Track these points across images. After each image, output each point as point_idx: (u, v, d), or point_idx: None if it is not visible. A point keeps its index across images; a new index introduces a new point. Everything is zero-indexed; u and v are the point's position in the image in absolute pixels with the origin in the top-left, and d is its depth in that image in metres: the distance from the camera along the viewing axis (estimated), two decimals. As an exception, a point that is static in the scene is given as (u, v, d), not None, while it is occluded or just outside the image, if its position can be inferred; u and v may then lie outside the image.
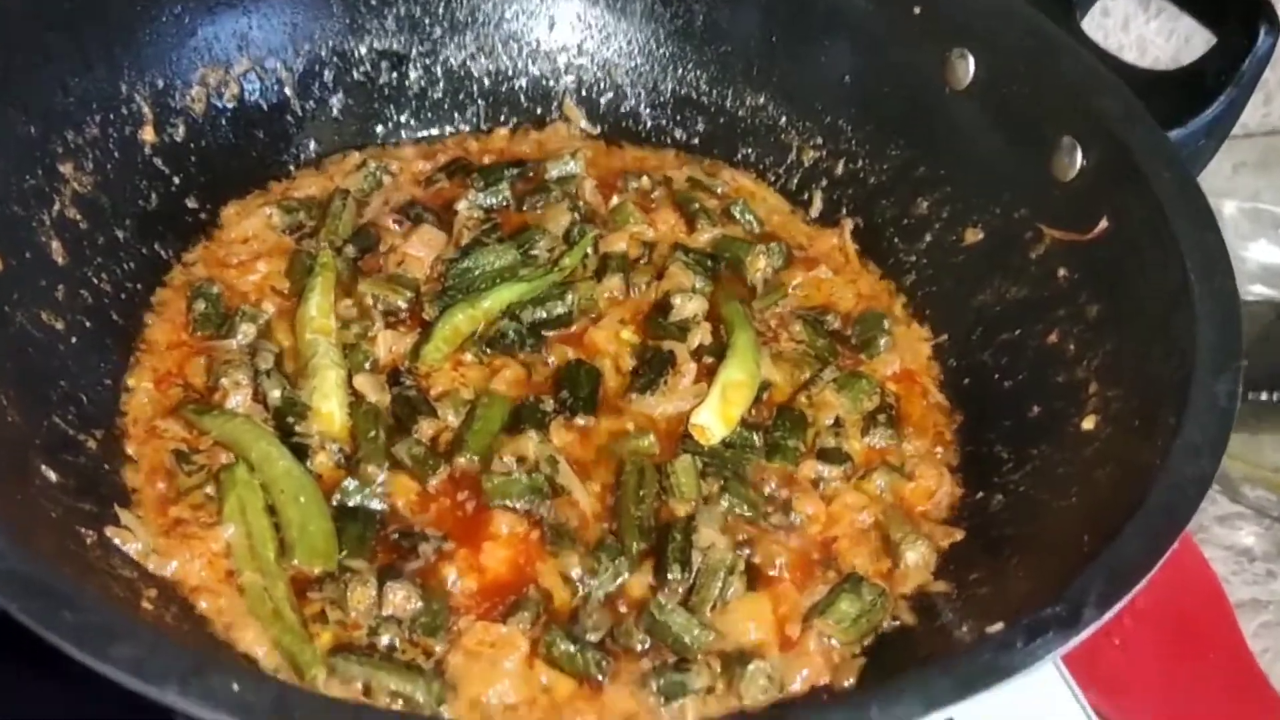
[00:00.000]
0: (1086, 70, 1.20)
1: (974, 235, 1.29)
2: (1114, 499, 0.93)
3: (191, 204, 1.33)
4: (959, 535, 1.12)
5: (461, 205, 1.39)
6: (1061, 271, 1.17)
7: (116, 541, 0.99)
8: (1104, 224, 1.13)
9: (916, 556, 1.10)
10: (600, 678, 0.99)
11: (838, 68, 1.41)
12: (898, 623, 1.06)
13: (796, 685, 1.01)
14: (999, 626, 0.81)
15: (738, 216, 1.42)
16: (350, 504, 1.09)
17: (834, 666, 1.02)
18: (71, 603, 0.70)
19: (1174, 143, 1.14)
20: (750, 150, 1.50)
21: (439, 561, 1.06)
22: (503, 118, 1.53)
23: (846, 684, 1.00)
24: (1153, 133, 1.13)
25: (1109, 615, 0.77)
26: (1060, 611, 0.77)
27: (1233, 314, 0.99)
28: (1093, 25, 1.41)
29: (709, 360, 1.25)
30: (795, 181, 1.48)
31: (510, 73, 1.52)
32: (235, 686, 0.66)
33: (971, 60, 1.27)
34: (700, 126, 1.52)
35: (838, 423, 1.22)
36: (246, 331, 1.22)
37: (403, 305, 1.28)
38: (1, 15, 1.11)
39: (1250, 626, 1.42)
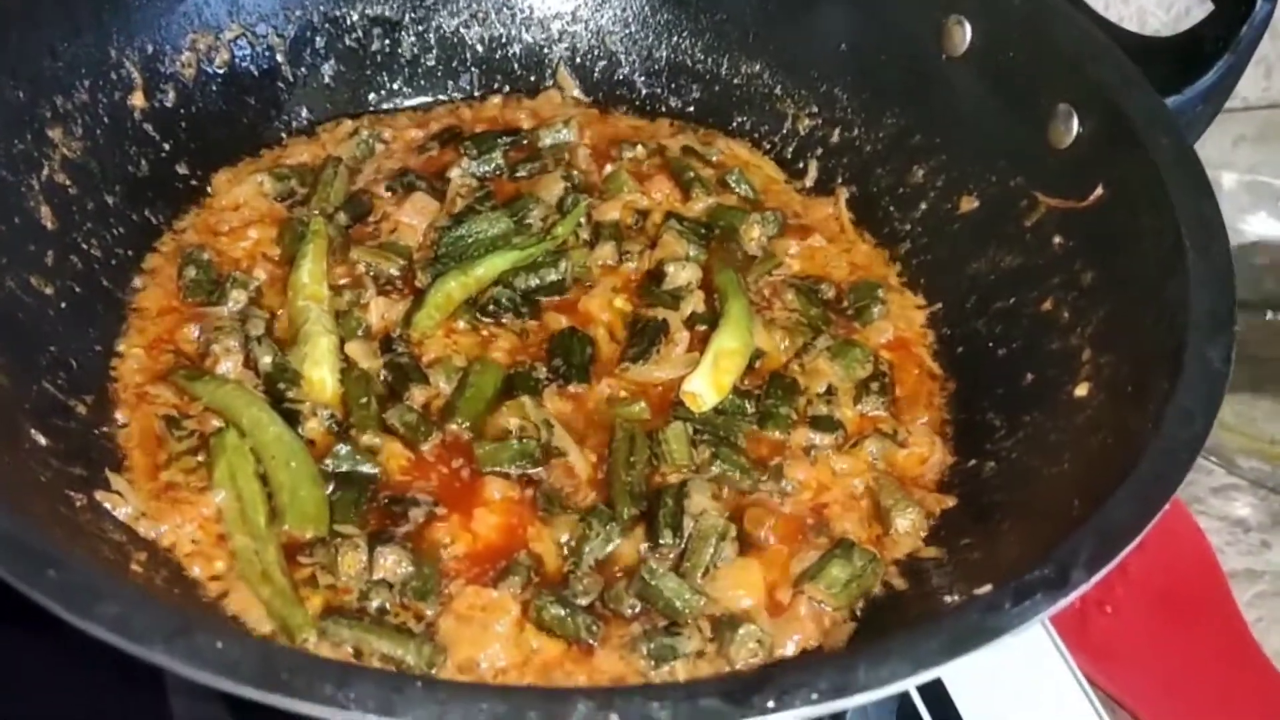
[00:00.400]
0: (1083, 36, 1.19)
1: (969, 203, 1.29)
2: (1106, 464, 0.93)
3: (182, 170, 1.32)
4: (951, 502, 1.12)
5: (454, 173, 1.38)
6: (1057, 239, 1.17)
7: (107, 505, 0.99)
8: (1100, 191, 1.12)
9: (907, 523, 1.10)
10: (591, 641, 1.00)
11: (834, 35, 1.40)
12: (889, 588, 1.06)
13: (788, 649, 1.01)
14: (987, 588, 0.80)
15: (733, 185, 1.42)
16: (341, 469, 1.09)
17: (825, 631, 1.02)
18: (57, 562, 0.70)
19: (1171, 110, 1.14)
20: (745, 118, 1.49)
21: (430, 526, 1.06)
22: (496, 85, 1.52)
23: (836, 648, 1.00)
24: (1149, 99, 1.12)
25: (1097, 578, 0.77)
26: (1049, 573, 0.76)
27: (1227, 279, 0.98)
28: (1093, -7, 1.40)
29: (702, 329, 1.25)
30: (790, 150, 1.47)
31: (504, 39, 1.51)
32: (220, 645, 0.66)
33: (968, 27, 1.26)
34: (695, 94, 1.51)
35: (830, 390, 1.22)
36: (237, 298, 1.22)
37: (395, 272, 1.28)
38: (-12, -22, 1.11)
39: (1244, 597, 1.42)
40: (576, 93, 1.52)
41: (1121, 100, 1.13)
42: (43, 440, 0.98)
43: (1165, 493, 0.82)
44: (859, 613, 1.04)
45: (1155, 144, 1.08)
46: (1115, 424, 0.98)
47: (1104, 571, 0.77)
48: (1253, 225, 1.80)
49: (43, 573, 0.69)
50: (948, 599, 0.99)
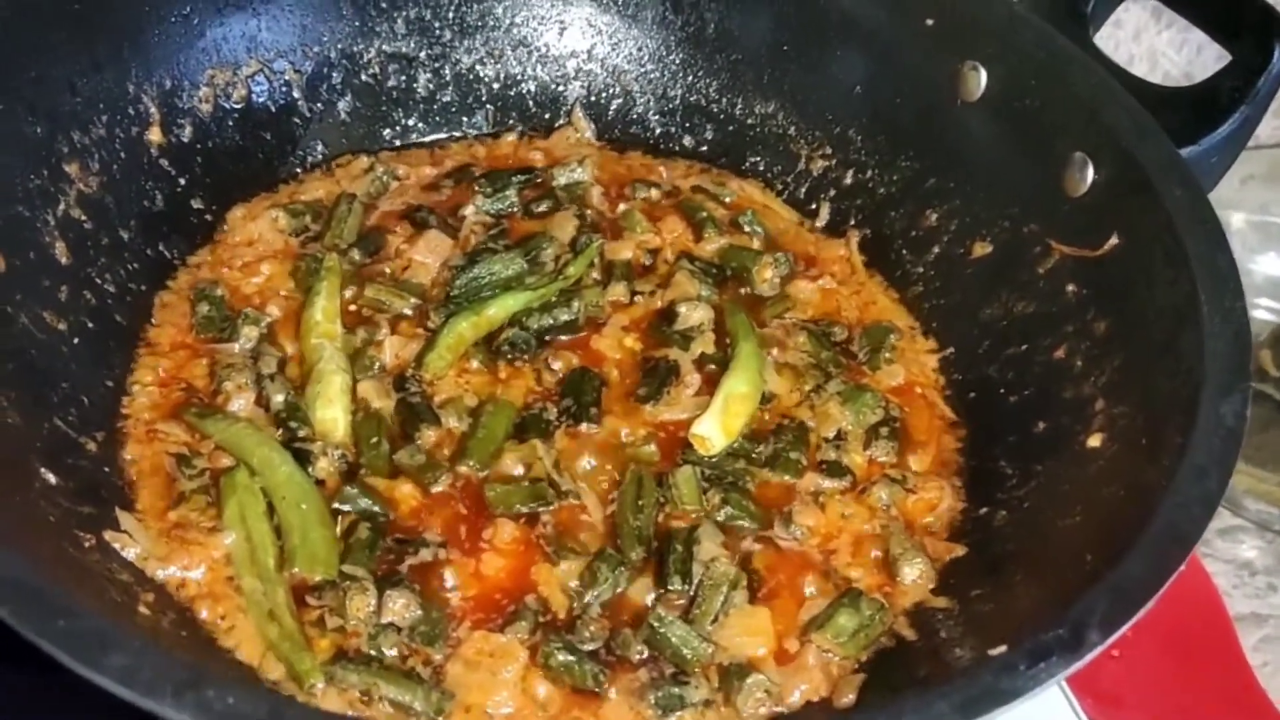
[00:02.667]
0: (1099, 85, 1.19)
1: (982, 249, 1.29)
2: (1119, 518, 0.92)
3: (197, 205, 1.32)
4: (961, 551, 1.12)
5: (469, 211, 1.39)
6: (1070, 287, 1.17)
7: (115, 545, 0.99)
8: (1114, 240, 1.12)
9: (915, 573, 1.09)
10: (598, 689, 0.99)
11: (849, 77, 1.40)
12: (898, 638, 1.05)
13: (795, 699, 1.01)
14: (1002, 649, 0.80)
15: (745, 227, 1.42)
16: (351, 510, 1.09)
17: (833, 681, 1.02)
18: (66, 610, 0.70)
19: (1186, 160, 1.13)
20: (759, 159, 1.50)
21: (438, 568, 1.06)
22: (510, 123, 1.53)
23: (845, 699, 0.99)
24: (1165, 149, 1.12)
25: (1113, 639, 0.76)
26: (1063, 634, 0.76)
27: (1242, 333, 0.98)
28: (1104, 36, 1.40)
29: (712, 369, 1.25)
30: (803, 191, 1.47)
31: (519, 77, 1.52)
32: (230, 699, 0.66)
33: (984, 73, 1.26)
34: (709, 134, 1.52)
35: (840, 435, 1.21)
36: (249, 335, 1.22)
37: (408, 311, 1.28)
38: (9, 15, 1.11)
39: (1250, 640, 1.41)
40: (589, 135, 1.52)
41: (1136, 149, 1.12)
42: (53, 479, 0.98)
43: (1181, 552, 0.82)
44: (867, 663, 1.03)
45: (1170, 194, 1.08)
46: (1128, 476, 0.97)
47: (1120, 633, 0.76)
48: (1261, 265, 1.79)
49: (53, 622, 0.69)
50: (957, 652, 0.98)
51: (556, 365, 1.24)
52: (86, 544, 0.96)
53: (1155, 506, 0.87)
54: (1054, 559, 0.98)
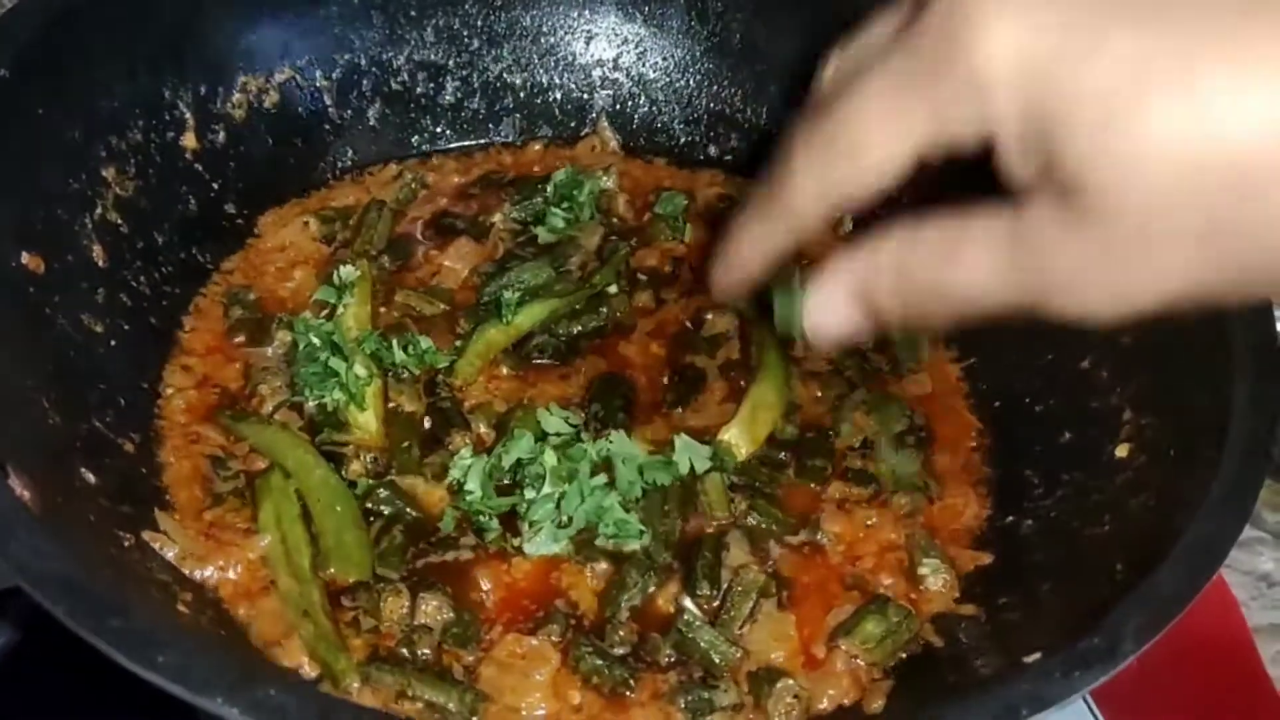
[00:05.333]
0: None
1: (1007, 258, 1.29)
2: (1149, 529, 0.93)
3: (230, 210, 1.34)
4: (987, 559, 1.12)
5: (497, 218, 1.40)
6: (1096, 298, 1.17)
7: (154, 546, 1.00)
8: (1140, 252, 1.12)
9: (938, 581, 1.10)
10: (628, 693, 1.00)
11: (873, 89, 1.41)
12: (926, 645, 1.06)
13: (824, 704, 1.01)
14: (1036, 656, 0.81)
15: (770, 235, 1.42)
16: (384, 512, 1.10)
17: (862, 687, 1.02)
18: (119, 609, 0.71)
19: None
20: (784, 168, 1.50)
21: (470, 570, 1.07)
22: (537, 131, 1.54)
23: (875, 705, 1.00)
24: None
25: (1146, 648, 0.77)
26: (1098, 643, 0.77)
27: (1273, 343, 0.98)
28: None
29: (737, 377, 1.26)
30: (828, 200, 1.47)
31: (545, 86, 1.53)
32: (280, 697, 0.67)
33: (1007, 85, 1.27)
34: (734, 143, 1.53)
35: (865, 443, 1.22)
36: (283, 339, 1.23)
37: (438, 316, 1.29)
38: (50, 23, 1.12)
39: (1269, 652, 1.41)
40: (614, 146, 1.53)
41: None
42: (92, 479, 0.99)
43: (1215, 562, 0.83)
44: (894, 669, 1.04)
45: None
46: (1158, 487, 0.98)
47: (1153, 642, 0.77)
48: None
49: (106, 621, 0.70)
50: (985, 660, 0.99)
51: (584, 371, 1.25)
52: (126, 544, 0.97)
53: (1188, 517, 0.87)
54: (1082, 568, 0.99)
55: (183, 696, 0.67)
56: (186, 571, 1.01)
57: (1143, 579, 0.83)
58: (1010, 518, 1.15)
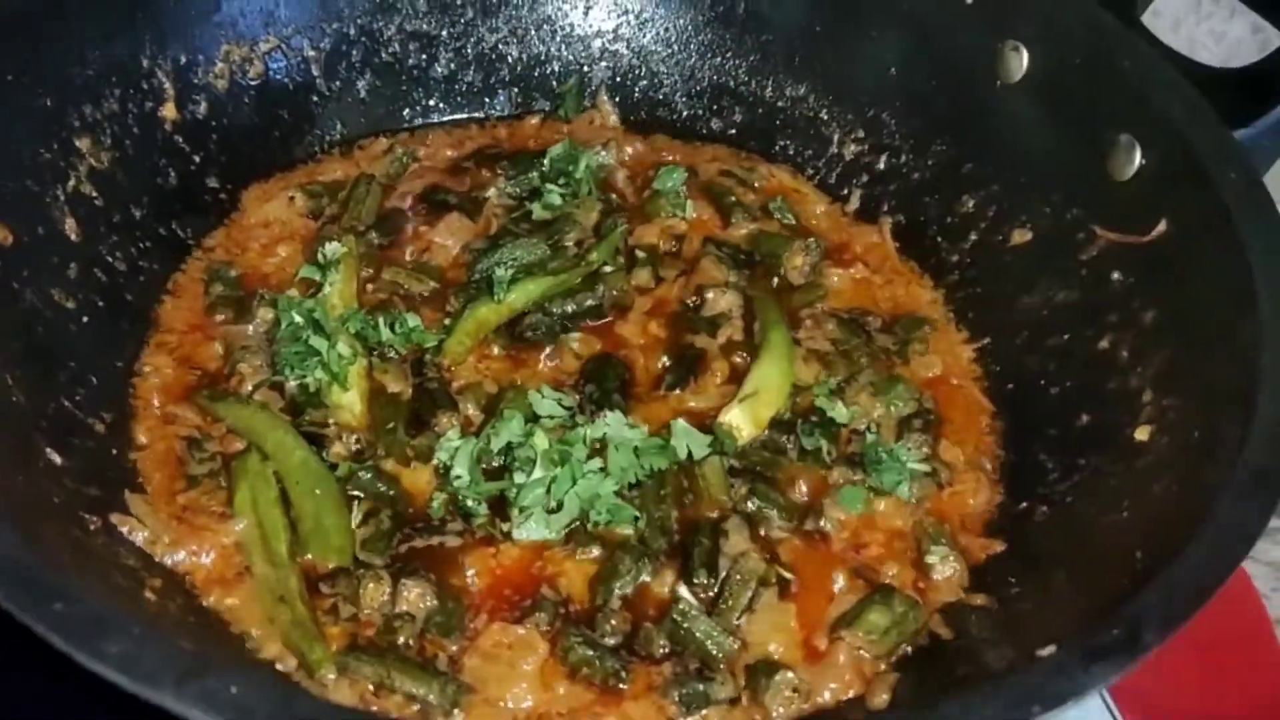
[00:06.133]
0: (1147, 65, 1.14)
1: (1022, 236, 1.24)
2: (1171, 515, 0.88)
3: (212, 184, 1.29)
4: (998, 547, 1.07)
5: (490, 193, 1.35)
6: (1115, 275, 1.12)
7: (122, 529, 0.96)
8: (1163, 226, 1.07)
9: (947, 570, 1.05)
10: (620, 685, 0.95)
11: (884, 59, 1.36)
12: (933, 636, 1.01)
13: (825, 698, 0.96)
14: (1052, 649, 0.75)
15: (775, 213, 1.37)
16: (366, 496, 1.05)
17: (865, 680, 0.97)
18: (63, 593, 0.66)
19: (1239, 142, 1.09)
20: (789, 143, 1.45)
21: (455, 556, 1.02)
22: (534, 104, 1.49)
23: (879, 699, 0.95)
24: (1217, 132, 1.08)
25: (1170, 639, 0.71)
26: (1119, 634, 0.71)
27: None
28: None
29: (739, 358, 1.21)
30: (834, 176, 1.43)
31: (543, 57, 1.48)
32: (235, 689, 0.62)
33: (1025, 53, 1.22)
34: (737, 117, 1.48)
35: (871, 427, 1.17)
36: (264, 317, 1.18)
37: (426, 294, 1.24)
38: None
39: (1290, 642, 1.36)
40: (614, 120, 1.48)
41: (1187, 132, 1.08)
42: (58, 459, 0.95)
43: (1241, 549, 0.78)
44: (900, 661, 0.99)
45: (1223, 178, 1.04)
46: (1181, 471, 0.93)
47: (1177, 633, 0.72)
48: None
49: (48, 605, 0.65)
50: (997, 652, 0.93)
51: (578, 351, 1.20)
52: (92, 527, 0.93)
53: (1212, 503, 0.82)
54: (1100, 556, 0.94)
55: (129, 688, 0.63)
56: (157, 557, 0.97)
57: (1164, 567, 0.78)
58: (1023, 504, 1.10)
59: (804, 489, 1.12)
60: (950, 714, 0.69)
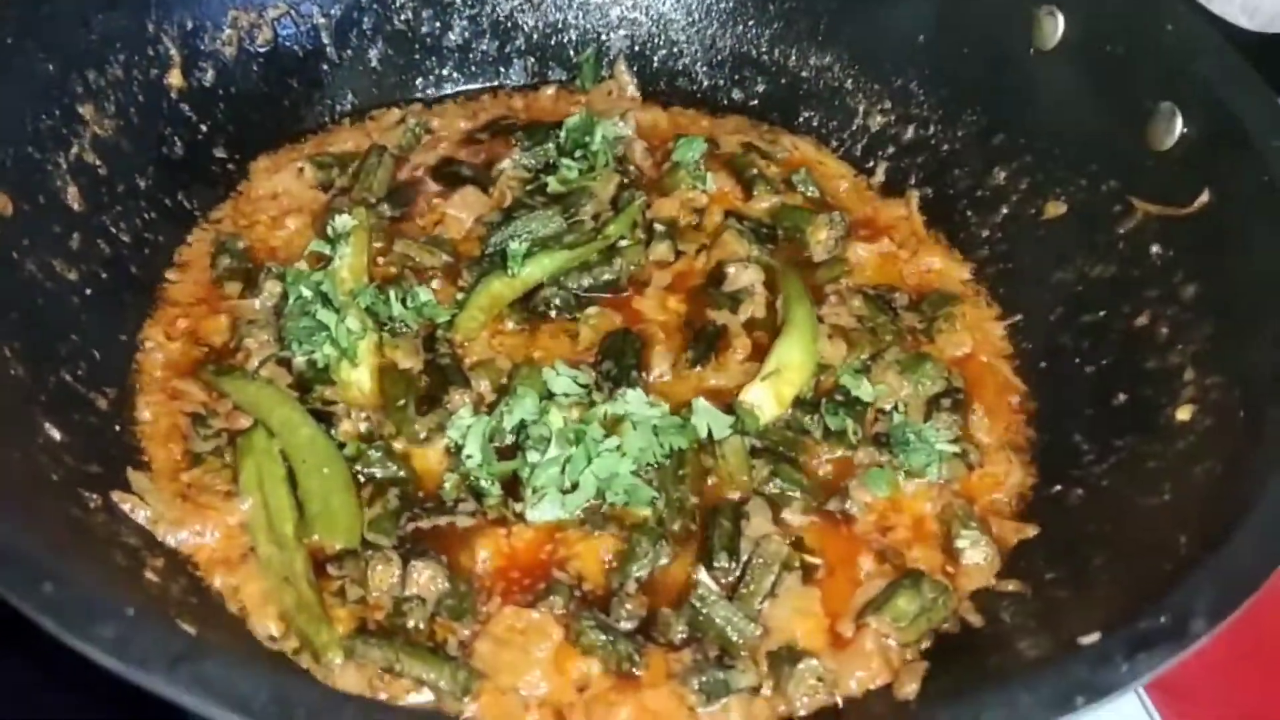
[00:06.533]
0: (1189, 30, 1.10)
1: (1056, 208, 1.20)
2: (1216, 497, 0.84)
3: (219, 154, 1.26)
4: (1031, 531, 1.03)
5: (505, 165, 1.31)
6: (1154, 248, 1.07)
7: (124, 507, 0.93)
8: (1205, 197, 1.03)
9: (978, 555, 1.01)
10: (635, 671, 0.92)
11: (912, 26, 1.32)
12: (963, 623, 0.97)
13: (851, 687, 0.93)
14: (1094, 638, 0.71)
15: (798, 186, 1.33)
16: (375, 474, 1.02)
17: (893, 669, 0.93)
18: (54, 574, 0.63)
19: (1286, 111, 1.04)
20: (812, 114, 1.41)
21: (467, 537, 0.99)
22: (550, 74, 1.45)
23: (908, 689, 0.91)
24: (1265, 99, 1.03)
25: (1221, 627, 0.67)
26: (1165, 622, 0.67)
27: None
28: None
29: (761, 335, 1.17)
30: (859, 148, 1.38)
31: (560, 25, 1.44)
32: (229, 675, 0.59)
33: (1061, 18, 1.17)
34: (759, 87, 1.43)
35: (898, 406, 1.13)
36: (272, 290, 1.15)
37: (439, 268, 1.20)
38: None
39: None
40: (632, 90, 1.44)
41: (1232, 100, 1.03)
42: (58, 435, 0.92)
43: (1294, 534, 0.73)
44: (930, 650, 0.95)
45: (1270, 148, 0.99)
46: (1225, 452, 0.89)
47: (1227, 621, 0.68)
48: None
49: (37, 586, 0.62)
50: (1031, 641, 0.89)
51: (595, 325, 1.17)
52: (92, 504, 0.90)
53: (1261, 485, 0.78)
54: (1140, 540, 0.90)
55: (120, 672, 0.59)
56: (159, 536, 0.94)
57: (1212, 554, 0.74)
58: (1058, 487, 1.05)
59: (829, 469, 1.08)
60: (989, 704, 0.65)
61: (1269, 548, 0.72)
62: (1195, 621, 0.68)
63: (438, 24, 1.40)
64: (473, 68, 1.43)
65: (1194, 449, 0.93)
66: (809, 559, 1.00)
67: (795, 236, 1.28)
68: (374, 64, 1.38)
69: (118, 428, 1.02)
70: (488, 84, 1.44)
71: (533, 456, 1.02)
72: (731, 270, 1.22)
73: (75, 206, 1.08)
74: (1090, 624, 0.76)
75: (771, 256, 1.25)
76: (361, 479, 1.02)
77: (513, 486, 1.02)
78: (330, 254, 1.17)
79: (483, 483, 1.02)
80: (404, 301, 1.14)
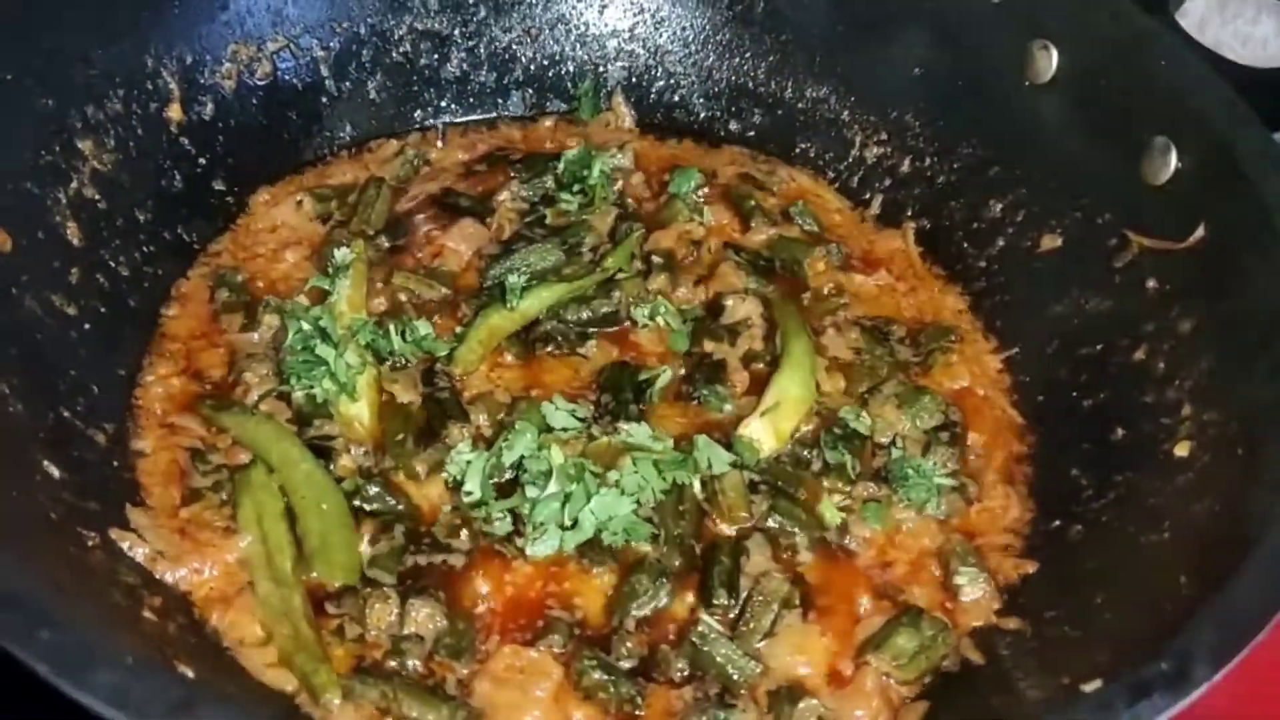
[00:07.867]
0: (1183, 65, 1.10)
1: (1051, 241, 1.20)
2: (1217, 537, 0.84)
3: (219, 187, 1.26)
4: (1031, 568, 1.03)
5: (503, 196, 1.32)
6: (1150, 282, 1.08)
7: (122, 545, 0.92)
8: (1201, 231, 1.03)
9: (977, 591, 1.01)
10: (636, 711, 0.91)
11: (908, 59, 1.32)
12: (963, 662, 0.97)
13: (851, 728, 0.92)
14: (1096, 684, 0.71)
15: (795, 218, 1.33)
16: (374, 510, 1.02)
17: (893, 708, 0.93)
18: (50, 619, 0.63)
19: (1280, 145, 1.05)
20: (809, 145, 1.41)
21: (465, 575, 0.99)
22: (547, 105, 1.45)
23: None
24: (1258, 133, 1.03)
25: (1223, 673, 0.67)
26: (1166, 668, 0.67)
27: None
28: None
29: (760, 368, 1.17)
30: (856, 180, 1.39)
31: (557, 57, 1.45)
32: (229, 724, 0.59)
33: (1055, 52, 1.18)
34: (756, 119, 1.44)
35: (896, 441, 1.13)
36: (271, 324, 1.15)
37: (438, 301, 1.20)
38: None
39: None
40: (629, 122, 1.44)
41: (1226, 134, 1.04)
42: (56, 473, 0.92)
43: (1296, 575, 0.73)
44: (929, 688, 0.95)
45: (1265, 181, 0.99)
46: (1224, 490, 0.89)
47: (1230, 666, 0.67)
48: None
49: (34, 632, 0.61)
50: (1032, 681, 0.89)
51: (594, 358, 1.17)
52: (90, 543, 0.89)
53: (1261, 524, 0.78)
54: (1140, 579, 0.90)
55: (118, 721, 0.59)
56: (157, 574, 0.93)
57: (1213, 594, 0.73)
58: (1057, 522, 1.05)
59: (827, 505, 1.08)
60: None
61: (1270, 591, 0.72)
62: (1198, 667, 0.67)
63: (436, 56, 1.41)
64: (471, 99, 1.43)
65: (1193, 486, 0.93)
66: (806, 596, 1.00)
67: (793, 269, 1.28)
68: (373, 96, 1.38)
69: (116, 464, 1.01)
70: (486, 115, 1.44)
71: (531, 492, 1.02)
72: (729, 302, 1.22)
73: (74, 241, 1.08)
74: (1092, 668, 0.76)
75: (769, 289, 1.25)
76: (361, 515, 1.01)
77: (515, 522, 1.02)
78: (329, 289, 1.17)
79: (495, 520, 1.01)
80: (403, 335, 1.14)
